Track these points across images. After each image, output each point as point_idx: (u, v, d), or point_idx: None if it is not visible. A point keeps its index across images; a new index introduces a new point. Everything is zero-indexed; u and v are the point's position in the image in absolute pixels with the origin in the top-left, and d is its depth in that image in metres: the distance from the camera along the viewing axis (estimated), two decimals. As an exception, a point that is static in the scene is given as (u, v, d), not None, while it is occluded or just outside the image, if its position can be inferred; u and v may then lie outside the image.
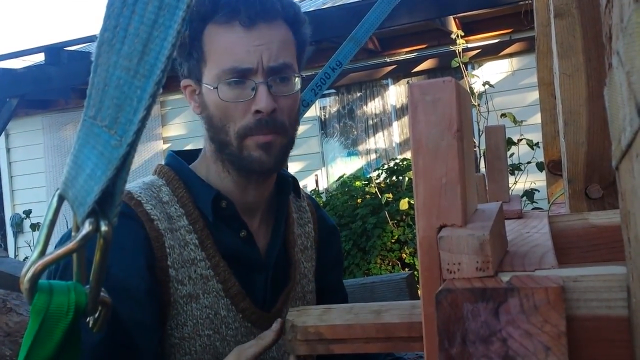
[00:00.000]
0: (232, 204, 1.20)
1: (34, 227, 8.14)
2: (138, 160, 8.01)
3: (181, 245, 1.14)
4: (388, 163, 6.51)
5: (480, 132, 4.89)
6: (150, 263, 1.11)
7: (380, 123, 8.01)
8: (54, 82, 7.37)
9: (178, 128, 8.32)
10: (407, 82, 7.83)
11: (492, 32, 7.19)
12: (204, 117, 1.20)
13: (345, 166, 8.07)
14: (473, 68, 7.16)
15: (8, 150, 9.63)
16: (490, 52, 7.24)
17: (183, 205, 1.18)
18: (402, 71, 7.74)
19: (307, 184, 8.13)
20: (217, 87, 1.14)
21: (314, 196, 6.96)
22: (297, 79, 1.20)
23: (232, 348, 1.17)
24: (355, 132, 8.13)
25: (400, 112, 7.89)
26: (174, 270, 1.12)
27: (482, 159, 4.64)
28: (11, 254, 8.65)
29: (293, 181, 1.32)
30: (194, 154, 1.28)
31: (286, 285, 1.29)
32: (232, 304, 1.18)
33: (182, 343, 1.14)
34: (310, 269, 1.36)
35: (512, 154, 4.96)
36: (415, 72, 7.65)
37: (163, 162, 1.26)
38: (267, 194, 1.27)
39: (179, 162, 1.24)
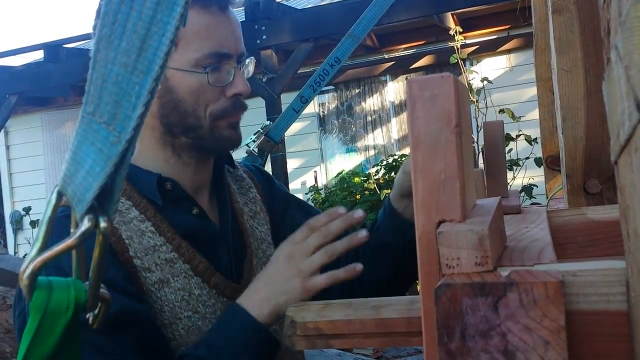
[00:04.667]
0: (177, 184, 1.18)
1: (34, 224, 8.15)
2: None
3: (138, 235, 1.13)
4: (387, 159, 6.52)
5: (479, 128, 4.89)
6: (113, 257, 1.09)
7: (379, 119, 8.01)
8: (53, 80, 7.36)
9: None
10: (406, 79, 7.83)
11: (490, 28, 7.19)
12: (163, 102, 1.16)
13: (344, 162, 8.07)
14: (471, 64, 7.16)
15: (7, 147, 9.64)
16: (488, 49, 7.24)
17: (129, 198, 1.15)
18: (401, 67, 7.74)
19: (306, 180, 8.14)
20: (206, 71, 1.14)
21: (312, 192, 6.97)
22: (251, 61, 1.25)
23: None
24: (354, 129, 8.13)
25: (398, 108, 7.90)
26: (138, 260, 1.11)
27: (481, 154, 4.64)
28: (11, 251, 8.65)
29: None
30: None
31: (245, 255, 1.27)
32: (202, 281, 1.17)
33: (164, 330, 1.12)
34: (267, 232, 1.34)
35: (511, 149, 4.96)
36: (413, 68, 7.65)
37: None
38: (211, 170, 1.27)
39: None
